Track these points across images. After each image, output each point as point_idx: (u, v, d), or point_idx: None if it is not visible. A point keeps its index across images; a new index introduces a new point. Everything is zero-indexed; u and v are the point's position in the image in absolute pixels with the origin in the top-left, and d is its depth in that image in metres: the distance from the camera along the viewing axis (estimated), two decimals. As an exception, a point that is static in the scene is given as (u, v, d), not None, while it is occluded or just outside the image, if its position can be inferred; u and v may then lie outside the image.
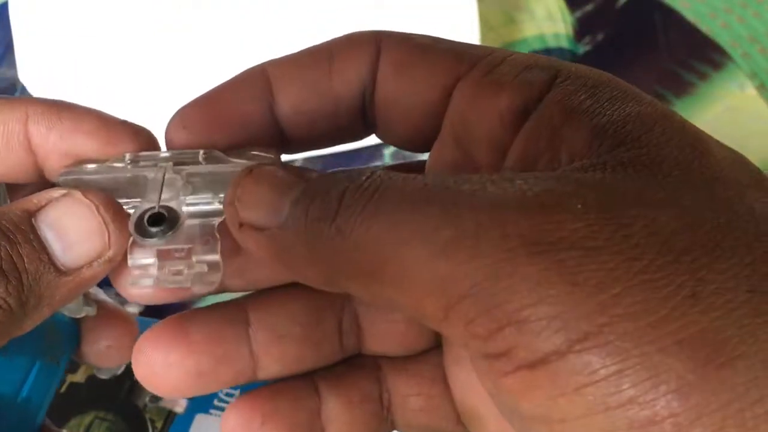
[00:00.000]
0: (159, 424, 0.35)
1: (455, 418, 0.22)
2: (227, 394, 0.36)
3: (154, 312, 0.44)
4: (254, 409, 0.21)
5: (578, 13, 0.55)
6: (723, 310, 0.14)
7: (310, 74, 0.21)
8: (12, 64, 0.55)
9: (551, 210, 0.15)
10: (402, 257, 0.15)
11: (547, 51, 0.53)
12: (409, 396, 0.22)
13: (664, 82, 0.50)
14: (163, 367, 0.20)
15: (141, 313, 0.44)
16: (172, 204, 0.18)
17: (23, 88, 0.52)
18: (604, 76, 0.19)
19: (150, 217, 0.18)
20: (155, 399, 0.36)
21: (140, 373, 0.20)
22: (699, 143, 0.17)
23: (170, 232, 0.18)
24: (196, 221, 0.19)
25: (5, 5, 0.57)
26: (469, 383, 0.21)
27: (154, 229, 0.18)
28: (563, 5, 0.55)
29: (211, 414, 0.35)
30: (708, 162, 0.16)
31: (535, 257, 0.14)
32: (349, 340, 0.23)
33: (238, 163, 0.19)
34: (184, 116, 0.21)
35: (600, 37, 0.54)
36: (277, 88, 0.21)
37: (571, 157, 0.17)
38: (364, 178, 0.16)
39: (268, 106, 0.21)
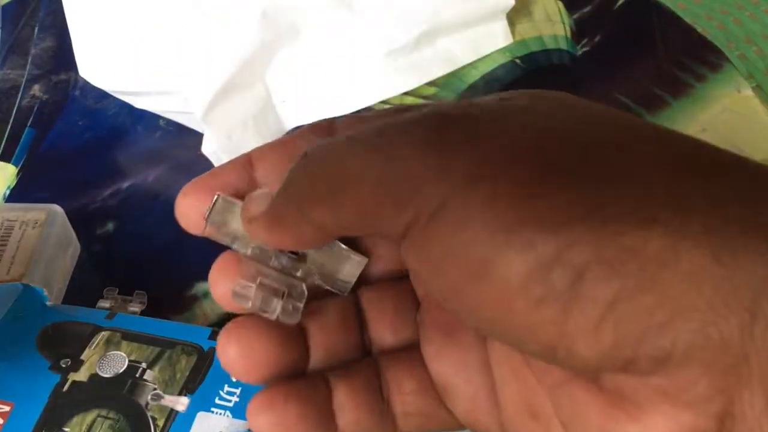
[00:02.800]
0: (161, 422, 0.35)
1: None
2: (228, 393, 0.36)
3: (153, 312, 0.44)
4: (277, 392, 0.22)
5: (576, 15, 0.55)
6: None
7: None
8: (14, 64, 0.55)
9: None
10: None
11: (546, 52, 0.53)
12: (402, 380, 0.24)
13: (662, 83, 0.51)
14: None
15: (142, 312, 0.44)
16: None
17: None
18: None
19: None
20: (157, 397, 0.36)
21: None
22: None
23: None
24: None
25: (6, 6, 0.57)
26: (439, 355, 0.23)
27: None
28: (562, 7, 0.56)
29: (213, 412, 0.35)
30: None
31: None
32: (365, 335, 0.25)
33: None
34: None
35: (598, 38, 0.54)
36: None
37: None
38: None
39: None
